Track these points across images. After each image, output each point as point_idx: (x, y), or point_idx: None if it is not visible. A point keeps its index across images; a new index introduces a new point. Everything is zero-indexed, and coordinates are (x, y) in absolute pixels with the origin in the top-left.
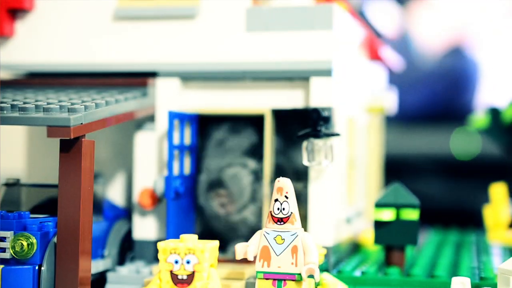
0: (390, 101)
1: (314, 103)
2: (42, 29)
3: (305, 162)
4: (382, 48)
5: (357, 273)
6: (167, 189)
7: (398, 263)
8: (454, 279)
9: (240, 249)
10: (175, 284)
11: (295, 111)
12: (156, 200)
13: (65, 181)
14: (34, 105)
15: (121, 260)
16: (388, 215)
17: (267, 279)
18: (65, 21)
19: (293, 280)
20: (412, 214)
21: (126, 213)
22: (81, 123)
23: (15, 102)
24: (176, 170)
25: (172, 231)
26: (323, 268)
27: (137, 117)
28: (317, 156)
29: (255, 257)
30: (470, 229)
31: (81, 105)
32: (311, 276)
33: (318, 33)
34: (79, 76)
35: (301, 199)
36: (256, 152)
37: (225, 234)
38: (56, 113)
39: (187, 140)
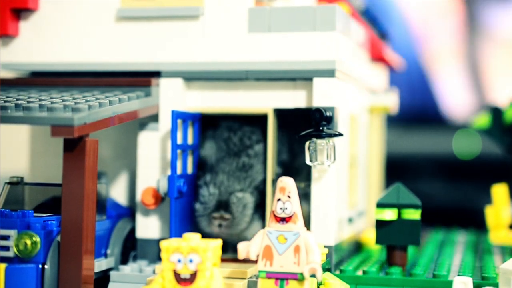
0: (392, 101)
1: (316, 103)
2: (46, 29)
3: (307, 162)
4: (384, 49)
5: (359, 273)
6: (171, 188)
7: (400, 263)
8: (456, 279)
9: (243, 248)
10: (178, 283)
11: (297, 111)
12: (159, 199)
13: (69, 180)
14: (38, 105)
15: (124, 259)
16: (390, 215)
17: (269, 278)
18: (69, 21)
19: (295, 280)
20: (413, 214)
21: (129, 212)
22: (85, 123)
23: (19, 102)
24: (179, 170)
25: (175, 230)
26: (325, 268)
27: (140, 117)
28: (320, 156)
29: (257, 256)
30: (471, 229)
31: (85, 105)
32: (313, 276)
33: (321, 34)
34: (82, 75)
35: (304, 198)
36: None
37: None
38: (59, 113)
39: (190, 140)
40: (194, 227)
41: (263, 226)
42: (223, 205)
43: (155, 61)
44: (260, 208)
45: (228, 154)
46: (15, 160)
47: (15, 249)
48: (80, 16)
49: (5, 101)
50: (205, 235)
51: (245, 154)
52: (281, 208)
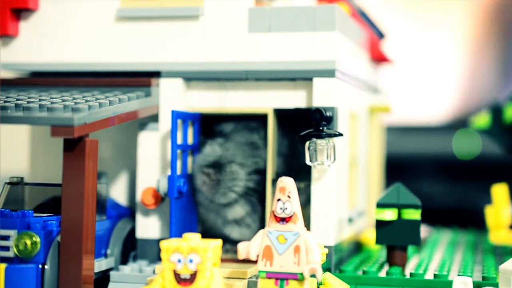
0: (391, 101)
1: (316, 103)
2: (46, 29)
3: (307, 162)
4: (384, 48)
5: (359, 273)
6: (171, 188)
7: (400, 263)
8: (456, 279)
9: (243, 248)
10: (178, 283)
11: (297, 111)
12: (159, 199)
13: (69, 180)
14: (38, 105)
15: (124, 259)
16: (390, 215)
17: (269, 278)
18: (69, 21)
19: (295, 280)
20: (414, 214)
21: (129, 212)
22: (85, 123)
23: (19, 102)
24: (179, 170)
25: (175, 230)
26: (325, 268)
27: (140, 117)
28: (320, 156)
29: (257, 257)
30: (471, 230)
31: (85, 105)
32: (313, 276)
33: (321, 33)
34: (82, 75)
35: (304, 198)
36: (259, 151)
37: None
38: (59, 113)
39: (190, 140)
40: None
41: (249, 212)
42: (217, 165)
43: (155, 61)
44: (250, 197)
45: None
46: (15, 160)
47: (15, 249)
48: (80, 16)
49: (5, 101)
50: (196, 184)
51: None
52: (281, 208)
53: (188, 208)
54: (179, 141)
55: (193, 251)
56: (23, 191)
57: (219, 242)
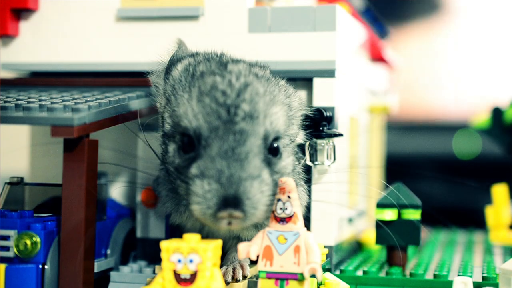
0: (391, 101)
1: (316, 104)
2: (46, 29)
3: (307, 162)
4: (384, 49)
5: (359, 273)
6: None
7: (400, 263)
8: (456, 279)
9: (243, 248)
10: (178, 283)
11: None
12: (159, 199)
13: (69, 180)
14: (38, 105)
15: (124, 259)
16: (390, 215)
17: (269, 278)
18: (69, 21)
19: (295, 280)
20: (413, 214)
21: (129, 212)
22: (85, 123)
23: (19, 102)
24: None
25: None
26: (325, 268)
27: (141, 117)
28: (320, 156)
29: (257, 257)
30: (472, 230)
31: (85, 105)
32: (313, 276)
33: (321, 34)
34: (82, 76)
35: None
36: None
37: None
38: (59, 113)
39: None
40: None
41: None
42: None
43: (155, 61)
44: None
45: None
46: (15, 160)
47: (15, 249)
48: (80, 16)
49: (5, 101)
50: None
51: None
52: (281, 208)
53: None
54: None
55: (193, 251)
56: (23, 191)
57: (219, 242)
